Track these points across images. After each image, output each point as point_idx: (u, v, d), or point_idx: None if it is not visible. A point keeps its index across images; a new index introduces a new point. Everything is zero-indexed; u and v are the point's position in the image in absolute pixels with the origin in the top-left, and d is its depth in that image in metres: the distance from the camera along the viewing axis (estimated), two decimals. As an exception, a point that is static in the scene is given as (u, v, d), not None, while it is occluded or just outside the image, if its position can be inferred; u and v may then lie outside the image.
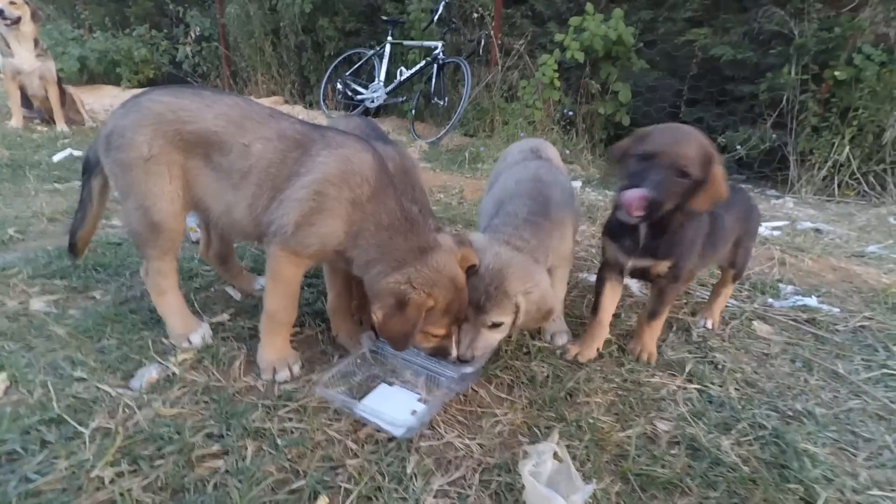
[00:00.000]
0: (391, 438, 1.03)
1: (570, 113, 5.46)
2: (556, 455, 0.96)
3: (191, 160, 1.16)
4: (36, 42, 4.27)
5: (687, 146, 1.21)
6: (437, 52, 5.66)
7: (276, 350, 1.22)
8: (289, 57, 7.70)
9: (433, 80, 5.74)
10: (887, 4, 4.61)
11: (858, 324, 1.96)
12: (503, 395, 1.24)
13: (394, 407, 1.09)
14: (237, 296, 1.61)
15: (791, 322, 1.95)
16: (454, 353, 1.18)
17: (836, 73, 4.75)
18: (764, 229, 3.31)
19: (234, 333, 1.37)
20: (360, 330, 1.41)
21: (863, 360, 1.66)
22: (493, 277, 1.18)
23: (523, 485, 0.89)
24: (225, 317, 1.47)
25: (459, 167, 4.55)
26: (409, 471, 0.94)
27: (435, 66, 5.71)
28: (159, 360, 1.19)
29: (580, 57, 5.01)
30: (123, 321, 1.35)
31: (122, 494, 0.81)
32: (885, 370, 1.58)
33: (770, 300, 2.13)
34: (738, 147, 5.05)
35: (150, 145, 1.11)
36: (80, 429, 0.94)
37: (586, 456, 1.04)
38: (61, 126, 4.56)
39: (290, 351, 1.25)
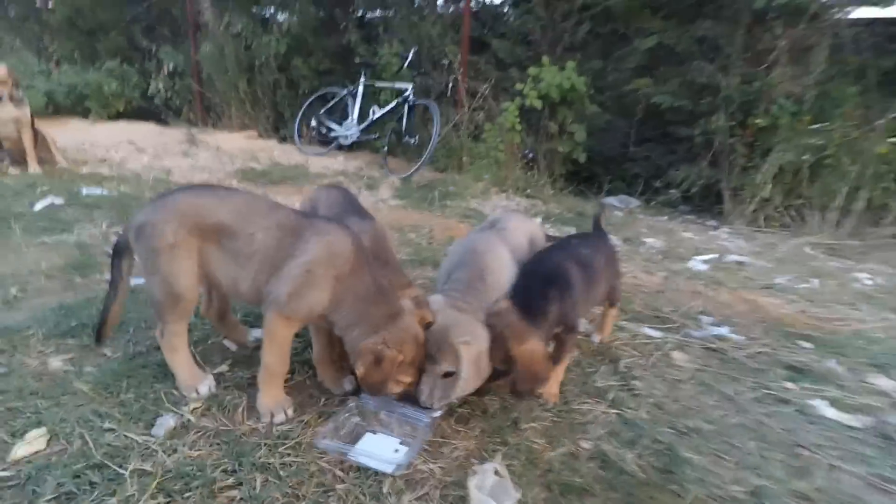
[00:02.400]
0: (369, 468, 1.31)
1: (531, 154, 5.97)
2: (497, 472, 1.27)
3: (206, 244, 1.43)
4: (11, 97, 4.32)
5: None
6: (407, 93, 6.09)
7: (272, 397, 1.48)
8: (263, 93, 7.94)
9: (404, 120, 6.14)
10: (794, 66, 5.41)
11: (757, 350, 2.37)
12: (461, 427, 1.54)
13: (381, 449, 1.35)
14: (233, 347, 1.86)
15: (703, 350, 2.35)
16: (421, 397, 1.48)
17: (758, 120, 5.48)
18: (695, 262, 3.80)
19: (234, 382, 1.62)
20: (342, 375, 1.69)
21: (752, 382, 2.06)
22: (441, 334, 1.49)
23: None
24: (224, 367, 1.71)
25: (430, 205, 4.89)
26: (385, 490, 1.23)
27: (406, 106, 6.12)
28: (174, 409, 1.43)
29: (538, 104, 5.54)
30: (136, 375, 1.58)
31: (162, 522, 1.05)
32: (765, 391, 1.98)
33: (690, 331, 2.54)
34: (672, 191, 5.64)
35: (175, 235, 1.39)
36: (121, 471, 1.17)
37: (522, 471, 1.35)
38: (33, 167, 4.61)
39: (283, 397, 1.51)
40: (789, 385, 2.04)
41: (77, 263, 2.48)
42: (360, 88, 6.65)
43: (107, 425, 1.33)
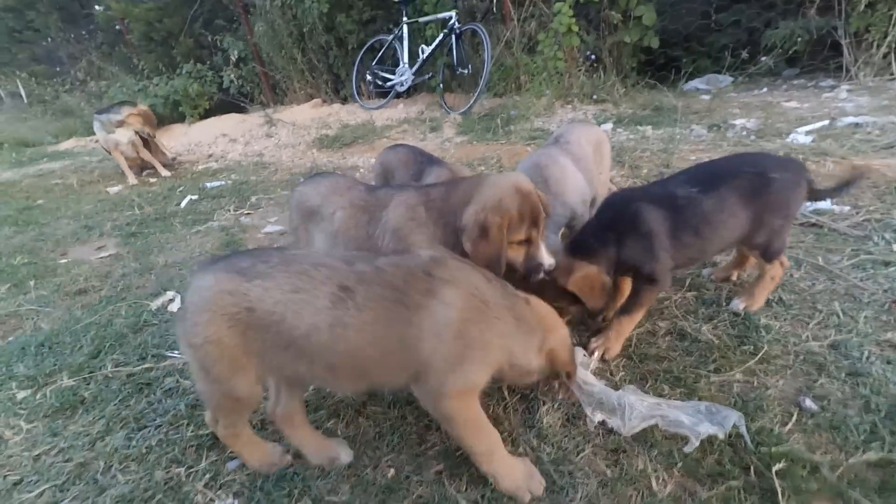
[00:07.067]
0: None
1: (593, 56, 5.50)
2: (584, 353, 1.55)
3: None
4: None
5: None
6: (452, 21, 5.87)
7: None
8: (318, 59, 8.25)
9: (454, 51, 5.99)
10: None
11: (863, 218, 2.23)
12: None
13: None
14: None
15: (797, 227, 2.27)
16: (545, 261, 1.39)
17: (887, -67, 4.34)
18: (796, 135, 3.42)
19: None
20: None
21: (852, 250, 1.99)
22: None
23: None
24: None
25: (494, 134, 4.90)
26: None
27: (453, 36, 5.94)
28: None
29: (593, -4, 5.00)
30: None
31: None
32: (865, 256, 1.92)
33: (784, 210, 2.43)
34: (764, 58, 4.86)
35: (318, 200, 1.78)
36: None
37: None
38: (164, 172, 5.58)
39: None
40: (897, 247, 1.95)
41: (227, 242, 3.16)
42: (405, 29, 6.57)
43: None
